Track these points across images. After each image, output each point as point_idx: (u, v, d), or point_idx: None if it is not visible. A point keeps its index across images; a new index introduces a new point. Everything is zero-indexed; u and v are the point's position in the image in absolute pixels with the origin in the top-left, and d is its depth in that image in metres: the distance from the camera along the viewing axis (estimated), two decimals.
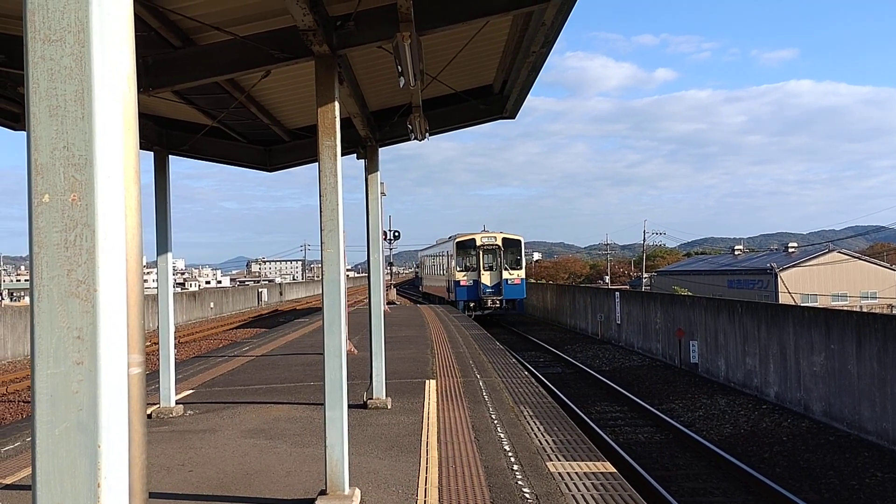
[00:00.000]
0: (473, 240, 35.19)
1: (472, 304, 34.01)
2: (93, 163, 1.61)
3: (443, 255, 39.92)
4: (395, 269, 60.98)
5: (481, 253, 34.50)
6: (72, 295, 1.61)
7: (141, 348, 1.86)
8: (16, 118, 7.41)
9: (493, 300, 33.79)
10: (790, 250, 69.09)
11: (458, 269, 34.78)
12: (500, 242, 35.05)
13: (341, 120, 6.31)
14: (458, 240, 35.64)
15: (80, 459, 1.60)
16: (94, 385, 1.60)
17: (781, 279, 56.47)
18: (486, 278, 34.19)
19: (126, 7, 1.77)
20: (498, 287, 33.94)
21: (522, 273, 36.08)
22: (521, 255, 36.14)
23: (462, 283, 34.02)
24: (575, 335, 34.82)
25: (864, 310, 36.00)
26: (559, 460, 7.34)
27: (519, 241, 36.28)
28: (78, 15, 1.61)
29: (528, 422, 9.21)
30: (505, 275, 34.23)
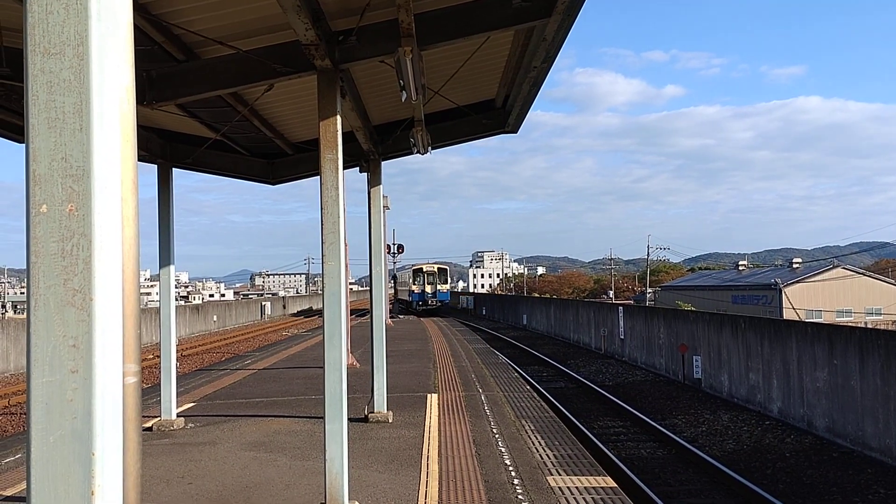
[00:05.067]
0: (422, 268, 60.47)
1: (420, 303, 57.58)
2: (90, 174, 1.64)
3: (407, 275, 64.12)
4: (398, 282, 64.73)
5: (426, 274, 59.27)
6: (68, 304, 1.62)
7: (137, 358, 1.88)
8: (21, 131, 7.47)
9: (431, 300, 58.16)
10: (795, 266, 68.87)
11: (413, 283, 59.40)
12: (435, 269, 60.66)
13: (344, 133, 6.35)
14: (414, 268, 61.21)
15: (74, 467, 1.61)
16: (89, 393, 1.62)
17: (786, 295, 56.32)
18: (428, 288, 58.75)
19: (125, 21, 1.80)
20: (434, 293, 58.77)
21: (447, 286, 62.12)
22: (447, 277, 62.36)
23: (415, 291, 58.77)
24: (578, 350, 34.77)
25: (869, 326, 35.83)
26: (560, 475, 7.32)
27: (446, 268, 63.21)
28: (77, 29, 1.64)
29: (529, 436, 9.19)
30: (438, 286, 59.31)
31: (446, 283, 62.05)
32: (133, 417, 1.85)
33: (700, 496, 11.53)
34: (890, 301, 58.50)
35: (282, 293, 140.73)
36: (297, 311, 73.80)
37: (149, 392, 13.49)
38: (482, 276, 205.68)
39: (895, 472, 12.44)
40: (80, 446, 1.61)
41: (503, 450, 8.36)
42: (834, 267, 62.59)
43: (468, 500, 6.47)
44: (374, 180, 10.73)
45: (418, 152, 9.58)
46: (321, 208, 6.11)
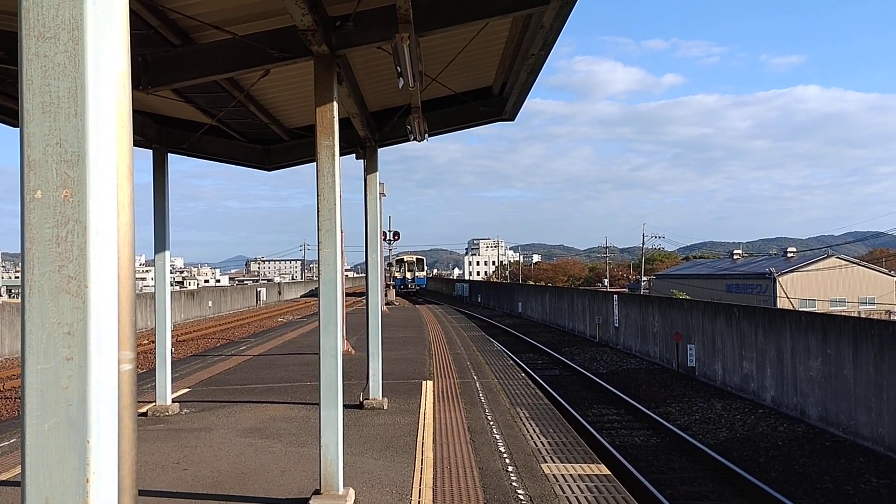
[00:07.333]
0: (403, 258, 70.54)
1: (402, 287, 65.03)
2: (85, 159, 1.62)
3: (392, 263, 70.69)
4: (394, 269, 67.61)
5: (406, 263, 70.13)
6: (62, 291, 1.61)
7: (132, 345, 1.87)
8: (17, 115, 7.42)
9: (410, 285, 68.35)
10: (789, 255, 69.09)
11: (396, 270, 66.32)
12: (414, 259, 72.28)
13: (340, 120, 6.32)
14: (397, 258, 67.76)
15: (69, 454, 1.60)
16: (84, 381, 1.61)
17: (780, 284, 56.50)
18: (408, 275, 69.12)
19: (121, 5, 1.77)
20: (413, 279, 69.75)
21: (424, 273, 75.77)
22: (424, 265, 75.48)
23: (398, 277, 65.99)
24: (573, 338, 34.86)
25: (863, 315, 35.97)
26: (554, 462, 7.35)
27: (423, 258, 76.24)
28: (72, 12, 1.62)
29: (524, 423, 9.22)
30: (417, 273, 70.96)
31: (423, 270, 75.65)
32: (128, 405, 1.84)
33: (693, 484, 11.60)
34: (883, 291, 58.73)
35: (277, 279, 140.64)
36: (292, 298, 74.19)
37: (144, 377, 13.49)
38: (478, 263, 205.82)
39: (887, 460, 12.52)
40: (75, 434, 1.61)
41: (498, 437, 8.39)
42: (828, 256, 62.79)
43: (462, 486, 6.49)
44: (370, 167, 10.70)
45: (415, 139, 9.54)
46: (317, 195, 6.09)
